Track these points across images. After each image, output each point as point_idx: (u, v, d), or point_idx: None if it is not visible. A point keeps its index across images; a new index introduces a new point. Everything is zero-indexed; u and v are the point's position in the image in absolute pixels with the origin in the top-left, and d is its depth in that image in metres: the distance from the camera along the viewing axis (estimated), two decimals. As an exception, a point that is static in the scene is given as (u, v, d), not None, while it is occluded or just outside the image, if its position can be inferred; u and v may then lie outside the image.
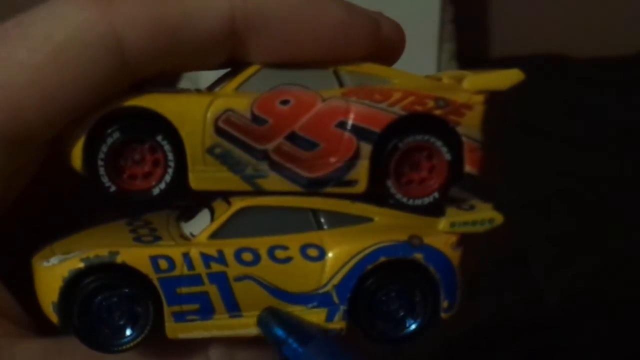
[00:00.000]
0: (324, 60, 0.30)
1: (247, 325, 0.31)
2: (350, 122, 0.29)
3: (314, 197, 0.31)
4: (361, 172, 0.29)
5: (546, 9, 1.51)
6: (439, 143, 0.29)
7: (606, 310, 0.78)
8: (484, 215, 0.31)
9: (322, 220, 0.31)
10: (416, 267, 0.32)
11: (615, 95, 1.23)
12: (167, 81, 0.31)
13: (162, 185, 0.29)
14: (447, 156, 0.29)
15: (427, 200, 0.30)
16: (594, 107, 1.20)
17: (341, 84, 0.29)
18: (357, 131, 0.28)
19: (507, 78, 0.31)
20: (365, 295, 0.31)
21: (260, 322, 0.31)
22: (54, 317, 0.31)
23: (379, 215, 0.31)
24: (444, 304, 0.33)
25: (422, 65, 1.41)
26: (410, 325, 0.33)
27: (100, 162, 0.29)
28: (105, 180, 0.29)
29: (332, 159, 0.29)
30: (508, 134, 1.17)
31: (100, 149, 0.29)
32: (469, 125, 0.29)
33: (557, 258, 0.87)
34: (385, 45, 0.31)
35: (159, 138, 0.28)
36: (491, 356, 0.73)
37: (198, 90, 0.31)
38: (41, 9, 0.28)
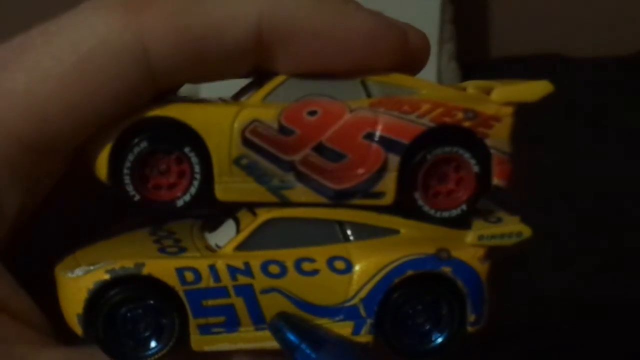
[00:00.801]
0: (352, 70, 0.29)
1: (272, 338, 0.31)
2: (378, 133, 0.28)
3: (339, 209, 0.30)
4: (389, 184, 0.28)
5: (546, 9, 1.51)
6: (467, 155, 0.29)
7: (606, 311, 0.78)
8: (512, 228, 0.31)
9: (349, 232, 0.31)
10: (444, 280, 0.31)
11: (615, 95, 1.23)
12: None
13: (187, 197, 0.29)
14: (476, 168, 0.29)
15: (454, 212, 0.30)
16: (594, 107, 1.20)
17: (369, 95, 0.28)
18: (385, 143, 0.28)
19: (536, 90, 0.31)
20: (391, 309, 0.31)
21: (272, 327, 0.31)
22: (78, 329, 0.31)
23: (406, 227, 0.31)
24: (471, 317, 0.33)
25: (422, 65, 1.40)
26: (436, 339, 0.33)
27: (126, 171, 0.29)
28: (130, 189, 0.29)
29: (360, 171, 0.29)
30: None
31: (126, 158, 0.29)
32: (498, 138, 0.29)
33: (557, 258, 0.87)
34: (412, 55, 0.31)
35: (186, 149, 0.28)
36: (491, 356, 0.73)
37: (223, 100, 0.31)
38: (67, 17, 0.28)
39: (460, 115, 0.28)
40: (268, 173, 0.29)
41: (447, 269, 0.31)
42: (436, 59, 1.32)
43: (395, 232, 0.31)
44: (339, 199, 0.29)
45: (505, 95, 0.30)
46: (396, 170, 0.28)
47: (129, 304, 0.30)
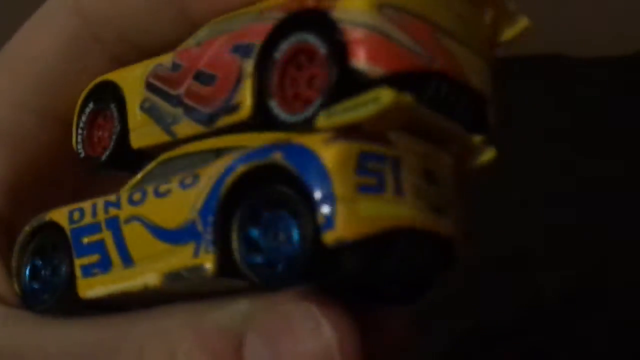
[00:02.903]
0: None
1: (140, 277, 0.29)
2: (237, 43, 0.26)
3: (224, 137, 0.28)
4: (244, 94, 0.26)
5: (546, 9, 1.51)
6: (312, 39, 0.24)
7: (606, 311, 0.78)
8: (367, 96, 0.24)
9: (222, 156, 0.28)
10: (279, 172, 0.26)
11: (616, 95, 1.23)
12: None
13: (108, 151, 0.30)
14: (322, 50, 0.24)
15: (309, 110, 0.25)
16: (594, 107, 1.20)
17: (260, 20, 0.27)
18: (240, 49, 0.26)
19: None
20: (229, 219, 0.27)
21: None
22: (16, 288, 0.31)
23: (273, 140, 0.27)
24: (320, 218, 0.26)
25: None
26: (286, 253, 0.26)
27: (78, 132, 0.31)
28: (79, 148, 0.31)
29: (226, 87, 0.27)
30: (507, 133, 1.17)
31: (80, 119, 0.31)
32: (350, 8, 0.24)
33: (558, 258, 0.86)
34: None
35: (112, 105, 0.30)
36: (491, 356, 0.73)
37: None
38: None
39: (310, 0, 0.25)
40: (164, 112, 0.29)
41: (277, 156, 0.26)
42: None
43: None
44: (211, 122, 0.28)
45: None
46: (250, 76, 0.25)
47: (41, 254, 0.31)
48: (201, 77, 0.27)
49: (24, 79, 0.32)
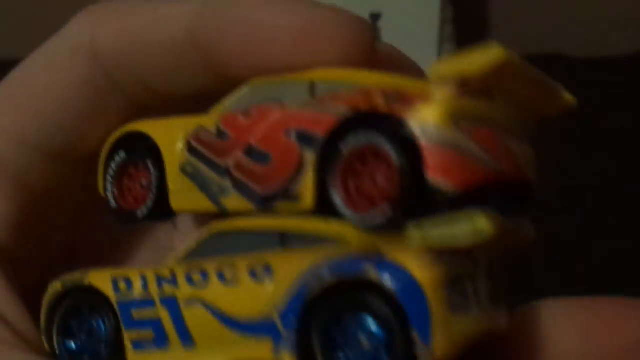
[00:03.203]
0: (305, 67, 0.27)
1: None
2: (295, 128, 0.25)
3: (286, 220, 0.27)
4: (306, 185, 0.25)
5: (546, 9, 1.51)
6: (385, 144, 0.23)
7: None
8: (469, 226, 0.24)
9: (288, 242, 0.27)
10: (373, 288, 0.26)
11: (615, 95, 1.23)
12: None
13: (145, 209, 0.29)
14: (394, 157, 0.23)
15: (378, 214, 0.24)
16: (594, 107, 1.20)
17: (312, 94, 0.26)
18: (301, 138, 0.25)
19: (480, 60, 0.25)
20: (317, 324, 0.27)
21: None
22: (44, 343, 0.30)
23: (352, 234, 0.26)
24: (415, 337, 0.26)
25: (422, 65, 1.40)
26: None
27: (108, 180, 0.30)
28: (110, 197, 0.30)
29: (281, 170, 0.26)
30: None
31: (109, 168, 0.29)
32: (426, 120, 0.23)
33: (558, 258, 0.86)
34: (368, 48, 0.29)
35: (148, 161, 0.28)
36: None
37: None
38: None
39: (379, 99, 0.24)
40: (208, 180, 0.28)
41: (373, 274, 0.25)
42: (436, 58, 1.32)
43: (338, 239, 0.27)
44: (265, 204, 0.27)
45: (438, 69, 0.24)
46: (313, 168, 0.25)
47: (77, 315, 0.30)
48: (253, 154, 0.26)
49: (29, 115, 0.30)
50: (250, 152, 0.26)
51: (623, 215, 0.92)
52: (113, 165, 0.30)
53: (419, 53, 1.45)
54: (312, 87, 0.27)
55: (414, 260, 0.24)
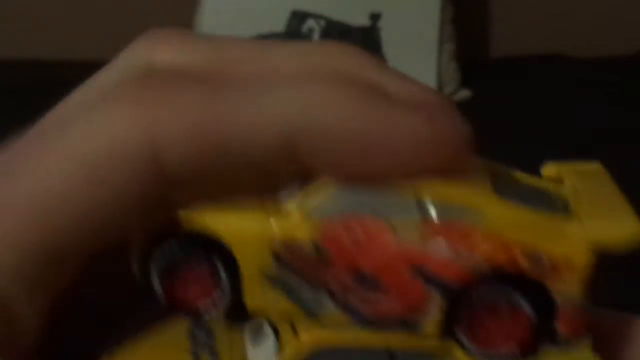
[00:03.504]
0: (405, 178, 0.25)
1: None
2: (425, 269, 0.24)
3: (394, 336, 0.27)
4: (431, 322, 0.25)
5: (546, 9, 1.51)
6: (523, 302, 0.25)
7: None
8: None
9: (396, 359, 0.26)
10: None
11: (615, 95, 1.23)
12: None
13: (215, 310, 0.27)
14: (533, 317, 0.25)
15: (503, 353, 0.25)
16: (594, 107, 1.20)
17: (422, 214, 0.25)
18: (431, 281, 0.25)
19: (623, 232, 0.24)
20: None
21: None
22: None
23: (460, 353, 0.25)
24: None
25: (422, 65, 1.41)
26: None
27: (156, 275, 0.27)
28: (159, 293, 0.27)
29: (397, 302, 0.25)
30: (508, 134, 1.17)
31: (157, 263, 0.26)
32: (568, 286, 0.24)
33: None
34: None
35: (215, 260, 0.26)
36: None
37: (258, 199, 0.28)
38: (77, 112, 0.25)
39: (524, 262, 0.24)
40: (301, 292, 0.26)
41: None
42: (436, 58, 1.32)
43: (447, 357, 0.25)
44: (371, 326, 0.26)
45: (588, 233, 0.24)
46: (440, 312, 0.25)
47: None
48: (365, 282, 0.25)
49: (35, 217, 0.25)
50: (360, 279, 0.25)
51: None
52: (163, 259, 0.27)
53: (419, 53, 1.45)
54: (420, 207, 0.25)
55: None
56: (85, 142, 0.24)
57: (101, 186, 0.24)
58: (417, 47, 1.32)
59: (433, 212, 0.25)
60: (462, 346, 0.24)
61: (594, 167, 0.27)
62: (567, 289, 0.24)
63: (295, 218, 0.25)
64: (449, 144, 0.23)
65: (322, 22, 1.30)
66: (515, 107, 1.24)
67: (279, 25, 1.29)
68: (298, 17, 1.30)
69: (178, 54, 0.24)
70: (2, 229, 0.25)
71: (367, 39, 1.29)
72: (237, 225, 0.25)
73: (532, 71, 1.36)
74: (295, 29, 1.30)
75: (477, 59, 1.43)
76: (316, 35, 1.30)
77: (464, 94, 1.31)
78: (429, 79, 1.31)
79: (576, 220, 0.24)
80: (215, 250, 0.25)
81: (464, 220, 0.24)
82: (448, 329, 0.25)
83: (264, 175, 0.24)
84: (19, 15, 1.48)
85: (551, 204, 0.25)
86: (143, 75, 0.24)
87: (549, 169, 0.26)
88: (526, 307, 0.24)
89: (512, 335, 0.25)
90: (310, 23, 1.30)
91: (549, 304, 0.24)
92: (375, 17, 1.31)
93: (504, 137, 1.19)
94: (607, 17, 1.50)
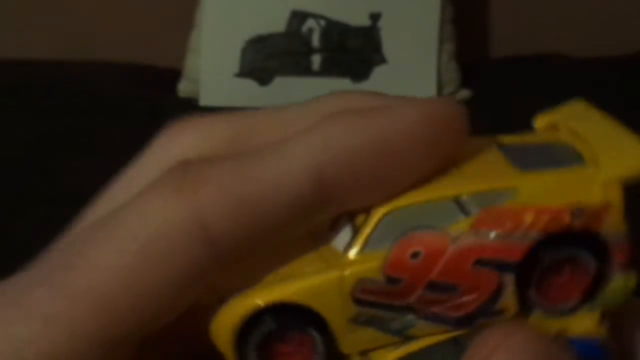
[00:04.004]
0: (439, 182, 0.27)
1: None
2: (486, 258, 0.26)
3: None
4: (509, 301, 0.27)
5: (546, 9, 1.51)
6: (583, 254, 0.27)
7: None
8: (620, 283, 0.27)
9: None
10: None
11: (615, 95, 1.23)
12: None
13: None
14: (592, 265, 0.27)
15: (567, 306, 0.27)
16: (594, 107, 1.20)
17: (466, 213, 0.26)
18: (496, 265, 0.26)
19: (630, 161, 0.27)
20: None
21: None
22: None
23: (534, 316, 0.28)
24: None
25: (422, 65, 1.41)
26: None
27: (250, 348, 0.29)
28: None
29: (476, 295, 0.27)
30: (507, 132, 1.17)
31: (254, 339, 0.28)
32: (612, 227, 0.26)
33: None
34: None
35: (308, 328, 0.28)
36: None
37: (321, 257, 0.30)
38: (126, 206, 0.27)
39: (567, 217, 0.26)
40: (386, 320, 0.28)
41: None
42: (436, 58, 1.32)
43: None
44: (462, 325, 0.28)
45: (613, 172, 0.26)
46: (512, 284, 0.27)
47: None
48: (437, 287, 0.26)
49: (96, 306, 0.27)
50: (433, 287, 0.27)
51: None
52: (258, 334, 0.29)
53: (419, 53, 1.45)
54: (461, 206, 0.27)
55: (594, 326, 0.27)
56: (139, 230, 0.26)
57: (158, 268, 0.25)
58: (417, 47, 1.32)
59: (473, 207, 0.26)
60: (535, 307, 0.26)
61: (579, 105, 0.29)
62: (612, 228, 0.26)
63: (357, 261, 0.26)
64: (447, 121, 0.25)
65: (322, 22, 1.30)
66: (515, 107, 1.24)
67: (279, 25, 1.30)
68: (298, 17, 1.30)
69: (202, 141, 0.27)
70: (65, 317, 0.26)
71: (367, 39, 1.29)
72: (316, 289, 0.26)
73: (532, 71, 1.36)
74: (295, 29, 1.30)
75: (477, 59, 1.43)
76: (316, 35, 1.30)
77: (464, 94, 1.31)
78: (429, 79, 1.31)
79: (593, 165, 0.26)
80: (304, 316, 0.27)
81: (502, 203, 0.26)
82: (523, 298, 0.26)
83: (305, 225, 0.26)
84: (19, 15, 1.48)
85: (564, 156, 0.27)
86: (178, 167, 0.26)
87: (541, 120, 0.28)
88: (584, 257, 0.26)
89: (578, 287, 0.26)
90: (310, 23, 1.30)
91: (601, 249, 0.26)
92: (375, 17, 1.31)
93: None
94: (607, 17, 1.50)
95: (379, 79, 1.29)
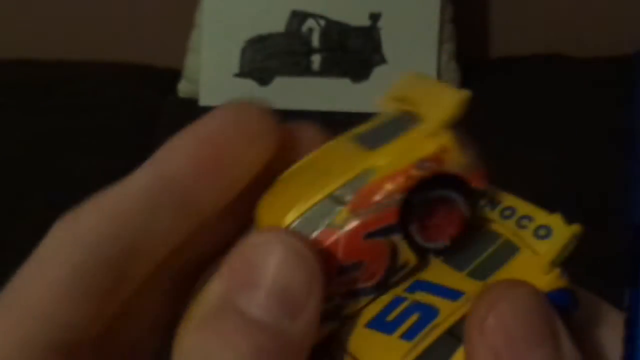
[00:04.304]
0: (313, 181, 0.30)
1: None
2: (371, 231, 0.30)
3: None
4: (406, 254, 0.31)
5: (546, 9, 1.51)
6: (444, 192, 0.31)
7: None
8: (567, 237, 0.30)
9: None
10: None
11: (615, 95, 1.23)
12: None
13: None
14: (458, 199, 0.31)
15: (440, 244, 0.31)
16: (594, 107, 1.21)
17: (343, 203, 0.30)
18: (381, 233, 0.30)
19: (454, 102, 0.31)
20: None
21: None
22: None
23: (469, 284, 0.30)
24: None
25: (422, 65, 1.41)
26: None
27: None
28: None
29: (379, 261, 0.30)
30: (508, 134, 1.17)
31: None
32: (455, 163, 0.30)
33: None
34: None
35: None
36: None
37: None
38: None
39: (416, 172, 0.30)
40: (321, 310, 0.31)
41: None
42: (436, 58, 1.32)
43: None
44: (380, 289, 0.31)
45: (436, 123, 0.30)
46: (402, 240, 0.30)
47: None
48: (347, 270, 0.29)
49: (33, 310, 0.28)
50: (344, 270, 0.30)
51: (623, 216, 0.92)
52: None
53: (419, 53, 1.46)
54: (337, 199, 0.31)
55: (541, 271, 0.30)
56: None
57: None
58: (417, 47, 1.33)
59: (347, 196, 0.30)
60: (419, 245, 0.30)
61: (410, 75, 0.33)
62: (456, 163, 0.30)
63: None
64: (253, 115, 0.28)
65: (322, 22, 1.30)
66: (516, 107, 1.25)
67: (279, 25, 1.30)
68: (298, 17, 1.30)
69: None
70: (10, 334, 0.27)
71: (367, 39, 1.30)
72: None
73: (532, 71, 1.36)
74: (295, 29, 1.30)
75: (477, 59, 1.43)
76: (316, 35, 1.30)
77: (464, 94, 1.31)
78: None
79: (424, 121, 0.30)
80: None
81: (366, 183, 0.30)
82: (417, 247, 0.30)
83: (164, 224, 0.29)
84: (19, 15, 1.48)
85: (404, 124, 0.31)
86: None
87: (384, 101, 0.32)
88: (448, 194, 0.30)
89: (453, 222, 0.31)
90: (310, 23, 1.30)
91: (457, 183, 0.30)
92: (375, 17, 1.31)
93: (504, 137, 1.19)
94: (607, 17, 1.50)
95: (379, 79, 1.29)
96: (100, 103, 1.27)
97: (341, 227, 0.30)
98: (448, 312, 0.29)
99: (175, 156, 0.29)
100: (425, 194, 0.30)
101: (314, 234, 0.30)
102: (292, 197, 0.31)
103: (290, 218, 0.30)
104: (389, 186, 0.30)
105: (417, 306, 0.31)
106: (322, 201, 0.30)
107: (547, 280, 0.30)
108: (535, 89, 1.28)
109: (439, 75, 1.32)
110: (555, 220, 0.31)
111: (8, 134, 1.18)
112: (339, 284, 0.30)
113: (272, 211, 0.31)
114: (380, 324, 0.31)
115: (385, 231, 0.30)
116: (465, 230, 0.31)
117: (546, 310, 0.26)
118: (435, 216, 0.31)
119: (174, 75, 1.34)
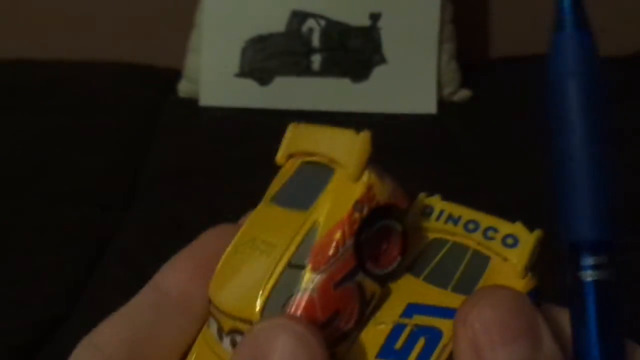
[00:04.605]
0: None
1: None
2: (337, 280, 0.31)
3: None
4: (371, 287, 0.33)
5: (546, 9, 1.51)
6: (384, 222, 0.33)
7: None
8: (533, 242, 0.32)
9: None
10: None
11: (615, 95, 1.23)
12: None
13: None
14: (396, 225, 0.33)
15: (392, 266, 0.33)
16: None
17: (303, 267, 0.32)
18: (346, 279, 0.32)
19: (362, 145, 0.33)
20: None
21: None
22: None
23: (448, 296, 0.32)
24: None
25: (422, 65, 1.41)
26: None
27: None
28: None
29: (352, 303, 0.32)
30: (507, 133, 1.17)
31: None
32: (382, 195, 0.32)
33: (554, 258, 0.87)
34: None
35: None
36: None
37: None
38: None
39: (357, 215, 0.32)
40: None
41: None
42: (436, 58, 1.32)
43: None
44: (360, 326, 0.32)
45: (351, 164, 0.32)
46: (365, 277, 0.32)
47: None
48: (328, 324, 0.31)
49: None
50: (326, 325, 0.31)
51: (623, 216, 0.92)
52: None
53: (419, 53, 1.45)
54: (296, 265, 0.32)
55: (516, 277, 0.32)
56: None
57: None
58: (417, 47, 1.33)
59: (304, 260, 0.31)
60: (378, 275, 0.32)
61: (294, 129, 0.34)
62: (382, 195, 0.32)
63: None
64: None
65: (322, 22, 1.30)
66: (515, 107, 1.25)
67: (279, 25, 1.30)
68: (298, 17, 1.30)
69: None
70: None
71: (367, 39, 1.30)
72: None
73: (532, 71, 1.36)
74: (295, 29, 1.30)
75: (477, 59, 1.43)
76: (316, 35, 1.30)
77: (464, 94, 1.31)
78: (429, 79, 1.31)
79: (342, 167, 0.32)
80: None
81: (316, 240, 0.32)
82: (377, 279, 0.33)
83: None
84: (19, 15, 1.48)
85: (319, 176, 0.32)
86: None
87: (280, 158, 0.33)
88: (388, 224, 0.32)
89: (395, 246, 0.33)
90: (310, 23, 1.30)
91: (393, 211, 0.32)
92: (375, 17, 1.31)
93: (504, 137, 1.19)
94: (607, 17, 1.50)
95: (379, 79, 1.29)
96: (100, 103, 1.27)
97: (311, 288, 0.31)
98: (451, 331, 0.30)
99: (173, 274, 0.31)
100: (369, 230, 0.31)
101: (290, 302, 0.31)
102: (249, 279, 0.32)
103: (260, 303, 0.30)
104: (338, 236, 0.31)
105: (420, 330, 0.32)
106: (283, 272, 0.31)
107: (524, 283, 0.32)
108: (535, 89, 1.28)
109: (439, 75, 1.32)
110: (518, 229, 0.33)
111: (8, 134, 1.18)
112: (326, 337, 0.31)
113: (235, 297, 0.32)
114: (391, 353, 0.31)
115: (350, 275, 0.31)
116: (407, 245, 0.33)
117: (527, 308, 0.27)
118: (380, 245, 0.32)
119: (174, 75, 1.34)
